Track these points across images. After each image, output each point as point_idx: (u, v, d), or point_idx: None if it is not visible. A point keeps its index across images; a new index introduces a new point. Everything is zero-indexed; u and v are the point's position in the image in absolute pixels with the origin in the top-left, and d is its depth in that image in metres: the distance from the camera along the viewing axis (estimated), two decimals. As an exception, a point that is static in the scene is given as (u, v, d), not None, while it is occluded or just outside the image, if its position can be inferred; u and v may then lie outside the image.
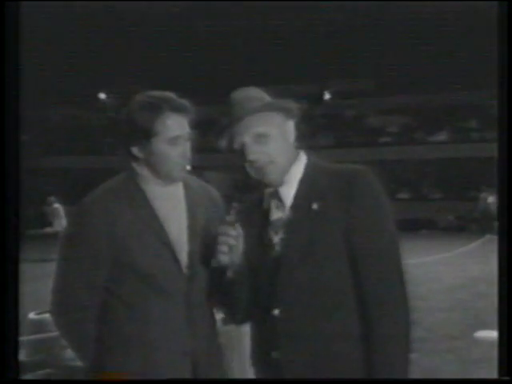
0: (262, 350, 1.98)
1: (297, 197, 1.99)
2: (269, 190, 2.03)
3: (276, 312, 1.93)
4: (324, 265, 1.90)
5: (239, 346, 3.37)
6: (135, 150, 2.16)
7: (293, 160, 2.02)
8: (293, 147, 2.03)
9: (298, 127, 2.05)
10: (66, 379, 2.03)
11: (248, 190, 2.09)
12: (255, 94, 2.00)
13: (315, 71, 26.51)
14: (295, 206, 1.98)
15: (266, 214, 2.03)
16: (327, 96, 30.89)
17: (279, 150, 1.97)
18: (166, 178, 2.17)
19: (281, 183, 2.00)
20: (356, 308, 1.89)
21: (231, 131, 1.99)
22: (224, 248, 1.96)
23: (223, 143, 2.02)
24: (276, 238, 1.99)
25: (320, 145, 25.49)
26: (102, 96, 33.39)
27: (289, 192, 2.00)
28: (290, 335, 1.92)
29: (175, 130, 2.12)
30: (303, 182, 1.99)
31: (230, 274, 1.99)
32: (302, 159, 2.04)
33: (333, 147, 26.70)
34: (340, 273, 1.90)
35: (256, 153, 1.96)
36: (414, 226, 23.94)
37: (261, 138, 1.96)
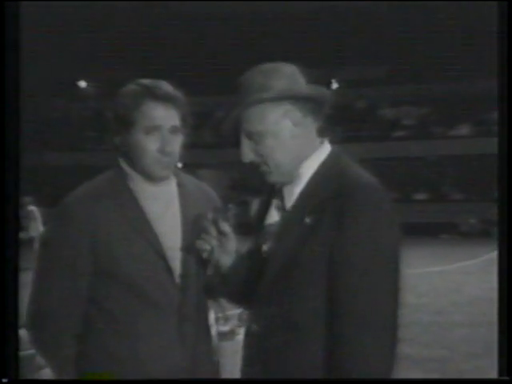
0: (242, 366, 2.00)
1: (297, 200, 1.95)
2: (275, 188, 2.02)
3: (254, 327, 1.95)
4: (303, 290, 1.88)
5: (235, 363, 3.37)
6: (117, 141, 2.18)
7: (306, 154, 1.97)
8: (302, 141, 1.97)
9: (319, 118, 2.00)
10: (66, 379, 2.07)
11: (246, 190, 2.10)
12: (261, 79, 1.93)
13: (321, 57, 26.51)
14: (292, 211, 1.95)
15: (264, 215, 2.03)
16: (334, 85, 30.91)
17: (276, 150, 1.94)
18: (147, 176, 2.17)
19: (288, 181, 1.98)
20: (326, 346, 1.85)
21: (229, 123, 1.97)
22: (204, 245, 2.04)
23: (226, 130, 1.99)
24: (265, 246, 1.99)
25: (335, 139, 25.47)
26: (83, 84, 33.42)
27: (293, 191, 1.97)
28: (262, 353, 1.92)
29: (154, 120, 2.12)
30: (311, 182, 1.95)
31: (216, 276, 2.06)
32: (323, 152, 1.99)
33: (341, 142, 26.74)
34: (320, 299, 1.85)
35: (250, 153, 1.95)
36: (432, 231, 23.96)
37: (255, 136, 1.94)
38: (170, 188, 2.23)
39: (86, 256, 2.11)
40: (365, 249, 1.81)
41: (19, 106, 1.83)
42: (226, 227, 2.03)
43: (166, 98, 2.13)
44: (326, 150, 2.00)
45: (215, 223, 2.03)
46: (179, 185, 2.26)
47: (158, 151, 2.13)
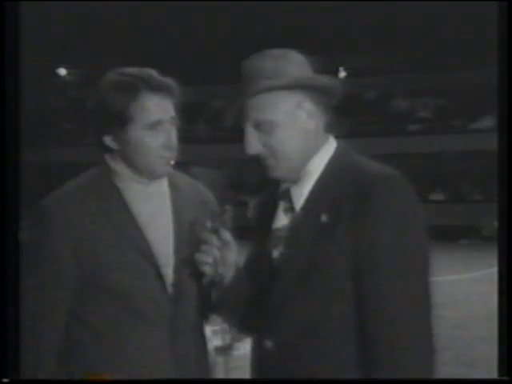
0: None
1: (309, 199, 1.97)
2: (281, 188, 2.02)
3: (267, 343, 1.95)
4: (326, 294, 1.89)
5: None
6: (108, 140, 2.17)
7: (313, 151, 1.99)
8: (313, 135, 1.98)
9: (328, 112, 2.01)
10: (66, 379, 2.10)
11: (245, 190, 2.09)
12: (271, 65, 1.93)
13: (327, 43, 26.53)
14: (304, 211, 1.96)
15: (271, 219, 2.03)
16: (342, 73, 30.93)
17: (287, 141, 1.95)
18: (147, 174, 2.18)
19: (295, 180, 1.99)
20: (358, 355, 1.88)
21: (233, 112, 1.96)
22: (206, 258, 2.00)
23: (229, 121, 1.99)
24: (275, 252, 1.99)
25: (340, 134, 25.48)
26: (63, 72, 33.38)
27: (302, 191, 1.97)
28: (282, 374, 1.93)
29: (155, 114, 2.13)
30: (320, 182, 1.96)
31: (214, 291, 2.02)
32: (329, 148, 2.01)
33: (349, 137, 26.74)
34: (342, 310, 1.88)
35: (256, 145, 1.95)
36: (450, 235, 23.98)
37: (263, 125, 1.94)
38: (162, 188, 2.24)
39: (67, 264, 2.11)
40: (392, 245, 1.84)
41: (19, 106, 1.91)
42: (228, 235, 2.01)
43: (161, 88, 2.14)
44: (332, 145, 2.02)
45: (215, 232, 2.00)
46: (171, 184, 2.26)
47: (163, 147, 2.14)
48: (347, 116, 28.77)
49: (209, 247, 2.00)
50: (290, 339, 1.92)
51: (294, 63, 1.96)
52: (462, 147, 27.51)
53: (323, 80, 1.97)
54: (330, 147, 2.01)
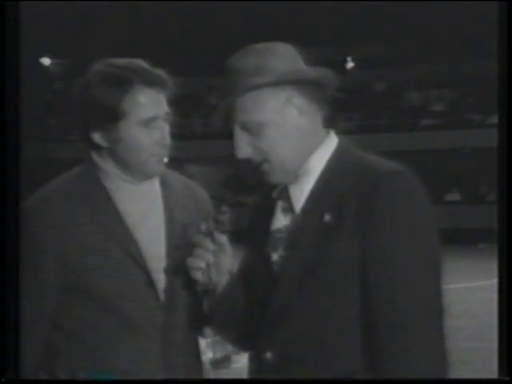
0: None
1: (310, 199, 1.97)
2: (278, 187, 2.02)
3: (268, 355, 1.95)
4: (329, 303, 1.90)
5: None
6: (97, 137, 2.17)
7: (311, 147, 1.99)
8: (307, 132, 1.99)
9: (322, 104, 2.01)
10: (66, 379, 2.14)
11: (244, 189, 2.09)
12: (256, 61, 1.93)
13: (333, 32, 26.54)
14: (305, 212, 1.96)
15: (268, 220, 2.03)
16: (350, 64, 30.94)
17: (279, 143, 1.95)
18: (138, 174, 2.19)
19: (292, 180, 1.99)
20: (365, 358, 1.89)
21: (220, 114, 1.97)
22: (199, 263, 1.98)
23: (216, 123, 2.00)
24: (275, 256, 1.99)
25: (340, 128, 25.51)
26: (46, 61, 33.37)
27: (302, 191, 1.98)
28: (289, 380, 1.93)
29: (150, 110, 2.14)
30: (322, 179, 1.97)
31: (207, 300, 2.02)
32: (330, 144, 2.01)
33: (356, 132, 26.72)
34: (349, 317, 1.90)
35: (246, 148, 1.95)
36: (467, 239, 23.97)
37: (252, 128, 1.94)
38: (153, 187, 2.25)
39: (51, 269, 2.12)
40: (404, 244, 1.86)
41: (19, 107, 1.96)
42: (223, 239, 2.00)
43: (154, 81, 2.15)
44: (333, 141, 2.03)
45: (210, 235, 1.99)
46: (163, 183, 2.27)
47: (156, 144, 2.15)
48: (354, 110, 28.79)
49: (202, 251, 1.98)
50: (292, 350, 1.93)
51: (281, 57, 1.95)
52: (479, 143, 27.49)
53: (311, 72, 1.97)
54: (330, 143, 2.02)
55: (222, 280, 2.02)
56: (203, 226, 2.00)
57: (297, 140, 1.97)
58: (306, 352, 1.92)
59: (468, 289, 13.47)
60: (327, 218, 1.91)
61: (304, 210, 1.97)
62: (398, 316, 1.84)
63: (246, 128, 1.94)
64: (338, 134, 2.05)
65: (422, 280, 1.86)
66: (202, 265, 1.98)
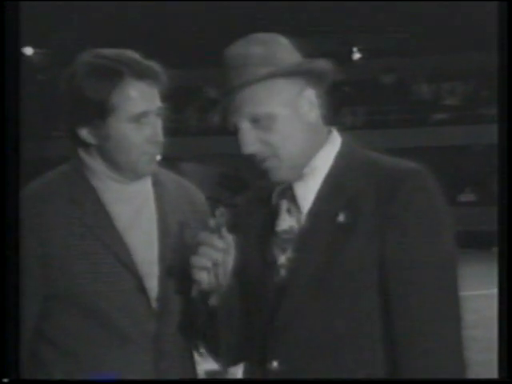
0: None
1: (319, 199, 1.98)
2: (281, 186, 2.03)
3: (274, 364, 1.95)
4: (342, 303, 1.92)
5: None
6: (84, 133, 2.18)
7: (318, 145, 2.01)
8: (318, 127, 2.01)
9: (325, 99, 2.03)
10: (66, 379, 2.15)
11: (243, 189, 2.10)
12: (262, 50, 1.95)
13: (339, 20, 26.56)
14: (315, 212, 1.98)
15: (272, 220, 2.03)
16: (356, 55, 30.96)
17: (290, 137, 1.96)
18: (128, 173, 2.19)
19: (297, 178, 2.00)
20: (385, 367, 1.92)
21: (223, 108, 1.97)
22: (205, 263, 1.95)
23: (215, 119, 2.00)
24: (282, 258, 2.00)
25: (346, 124, 25.54)
26: (29, 51, 33.37)
27: (308, 190, 1.99)
28: None
29: (141, 105, 2.14)
30: (331, 178, 1.99)
31: (212, 301, 2.00)
32: (335, 143, 2.03)
33: (363, 127, 26.76)
34: (367, 316, 1.92)
35: (254, 143, 1.95)
36: (482, 242, 23.98)
37: (262, 121, 1.94)
38: (144, 187, 2.25)
39: (34, 275, 2.12)
40: (426, 244, 1.90)
41: (19, 107, 1.98)
42: (230, 238, 1.98)
43: (146, 74, 2.15)
44: (337, 139, 2.05)
45: (218, 232, 1.95)
46: (155, 183, 2.27)
47: (148, 142, 2.15)
48: (360, 104, 28.81)
49: (208, 249, 1.95)
50: (302, 358, 1.94)
51: (286, 48, 1.98)
52: (494, 140, 27.54)
53: (322, 64, 1.99)
54: (335, 141, 2.04)
55: (226, 282, 2.00)
56: (212, 222, 1.96)
57: (307, 135, 1.98)
58: (318, 360, 1.93)
59: (481, 296, 13.47)
60: (341, 218, 1.93)
61: (313, 210, 1.98)
62: (420, 319, 1.88)
63: (255, 121, 1.95)
64: (340, 131, 2.07)
65: (443, 281, 1.91)
66: (209, 264, 1.96)
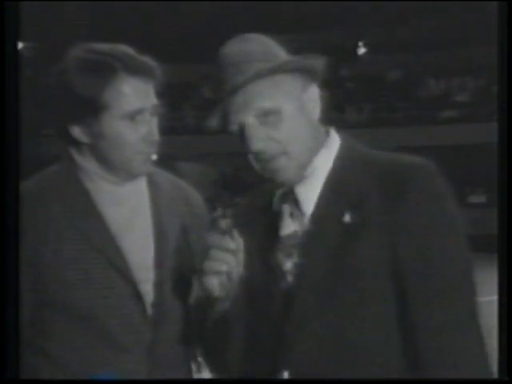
0: None
1: (322, 201, 2.00)
2: (281, 190, 2.04)
3: (285, 375, 1.95)
4: (356, 308, 1.93)
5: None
6: (76, 132, 2.18)
7: (319, 145, 2.03)
8: (319, 126, 2.04)
9: (326, 99, 2.06)
10: (66, 379, 2.16)
11: (242, 190, 2.10)
12: (261, 47, 1.99)
13: (343, 13, 26.59)
14: (319, 215, 1.99)
15: (275, 225, 2.04)
16: (362, 50, 30.96)
17: (298, 134, 1.98)
18: (122, 173, 2.20)
19: (299, 180, 2.02)
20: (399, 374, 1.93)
21: (224, 107, 1.98)
22: (219, 267, 1.92)
23: (213, 122, 2.02)
24: (288, 264, 2.01)
25: (350, 122, 25.56)
26: (18, 45, 33.46)
27: (310, 193, 2.01)
28: None
29: (135, 102, 2.15)
30: (332, 180, 2.01)
31: (219, 308, 1.99)
32: (334, 143, 2.06)
33: (369, 125, 26.74)
34: (381, 321, 1.93)
35: (262, 139, 1.96)
36: (494, 245, 23.97)
37: (269, 116, 1.96)
38: (139, 188, 2.26)
39: (24, 280, 2.11)
40: (439, 238, 1.93)
41: (19, 108, 2.01)
42: (240, 239, 1.96)
43: (141, 70, 2.15)
44: (335, 138, 2.08)
45: (230, 234, 1.93)
46: (151, 184, 2.28)
47: (143, 141, 2.16)
48: (366, 100, 28.81)
49: (221, 253, 1.92)
50: (314, 368, 1.94)
51: (278, 45, 2.03)
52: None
53: (323, 60, 2.02)
54: (334, 140, 2.07)
55: (234, 289, 1.98)
56: (223, 223, 1.93)
57: (312, 133, 2.02)
58: (331, 370, 1.93)
59: (494, 302, 13.45)
60: (347, 218, 1.95)
61: (317, 212, 2.00)
62: (439, 316, 1.90)
63: (262, 116, 1.97)
64: (338, 131, 2.10)
65: (460, 276, 1.94)
66: (224, 268, 1.92)
